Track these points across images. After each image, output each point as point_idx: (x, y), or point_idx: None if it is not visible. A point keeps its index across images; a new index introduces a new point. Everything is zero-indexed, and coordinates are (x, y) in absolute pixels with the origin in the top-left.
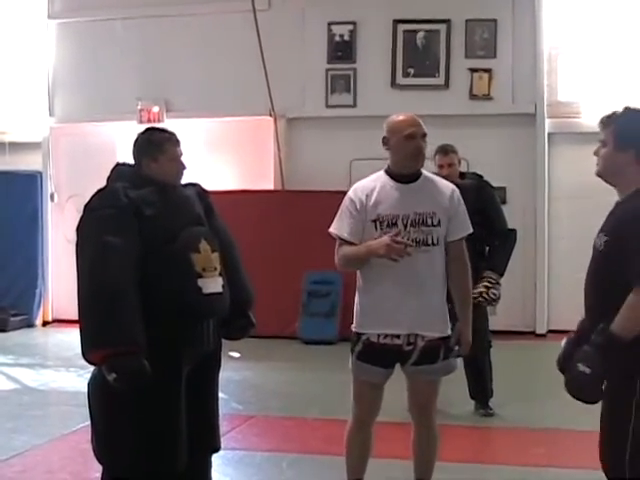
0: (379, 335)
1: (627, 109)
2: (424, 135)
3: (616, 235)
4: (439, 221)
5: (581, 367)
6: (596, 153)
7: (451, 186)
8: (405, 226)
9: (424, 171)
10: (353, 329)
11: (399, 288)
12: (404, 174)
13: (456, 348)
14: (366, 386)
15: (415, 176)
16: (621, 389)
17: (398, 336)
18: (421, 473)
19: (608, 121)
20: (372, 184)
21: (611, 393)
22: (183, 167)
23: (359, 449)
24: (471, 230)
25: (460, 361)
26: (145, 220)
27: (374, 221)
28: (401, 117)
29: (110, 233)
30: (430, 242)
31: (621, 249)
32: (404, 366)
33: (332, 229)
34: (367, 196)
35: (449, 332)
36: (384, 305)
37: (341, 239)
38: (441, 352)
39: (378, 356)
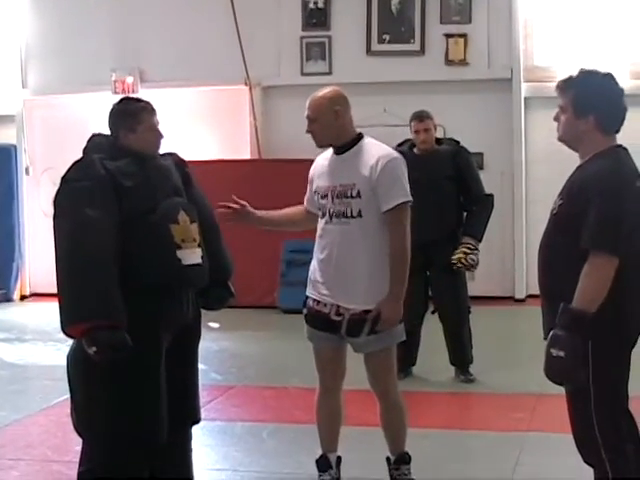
0: (314, 300)
1: (583, 73)
2: (310, 119)
3: (568, 199)
4: (358, 192)
5: (555, 352)
6: (556, 119)
7: (380, 154)
8: (332, 198)
9: (367, 139)
10: None
11: (323, 259)
12: (335, 146)
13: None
14: (319, 350)
15: (347, 147)
16: (574, 363)
17: (326, 304)
18: (392, 444)
19: (565, 86)
20: (324, 156)
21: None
22: (161, 136)
23: (327, 417)
24: (407, 199)
25: (440, 327)
26: (123, 191)
27: (315, 193)
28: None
29: (88, 205)
30: (349, 214)
31: (570, 213)
32: (340, 336)
33: None
34: (316, 168)
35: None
36: (316, 273)
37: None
38: (365, 326)
39: (315, 321)
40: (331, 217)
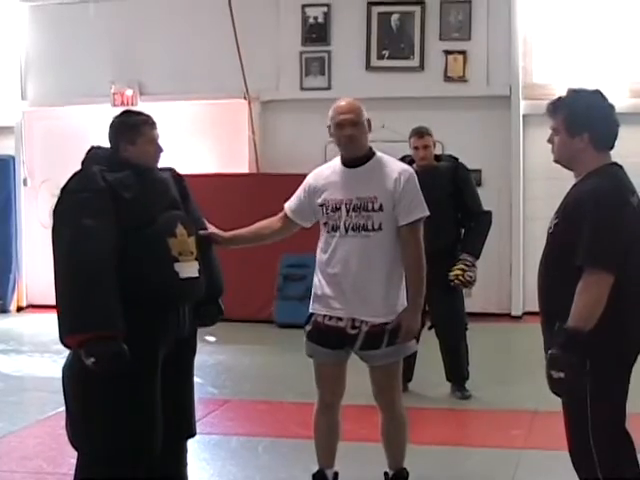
0: (324, 316)
1: (572, 92)
2: (355, 123)
3: (563, 217)
4: (381, 206)
5: (555, 374)
6: (550, 141)
7: (400, 168)
8: (347, 211)
9: (379, 153)
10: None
11: (337, 273)
12: (349, 159)
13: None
14: (321, 367)
15: (362, 160)
16: (574, 381)
17: (341, 319)
18: (392, 459)
19: (555, 108)
20: (326, 169)
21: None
22: (160, 150)
23: (325, 432)
24: (425, 213)
25: (437, 343)
26: (122, 204)
27: (321, 206)
28: (339, 103)
29: (87, 216)
30: (370, 227)
31: (567, 231)
32: (353, 350)
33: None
34: (317, 181)
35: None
36: (326, 288)
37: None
38: (385, 338)
39: (324, 337)
40: (347, 230)
